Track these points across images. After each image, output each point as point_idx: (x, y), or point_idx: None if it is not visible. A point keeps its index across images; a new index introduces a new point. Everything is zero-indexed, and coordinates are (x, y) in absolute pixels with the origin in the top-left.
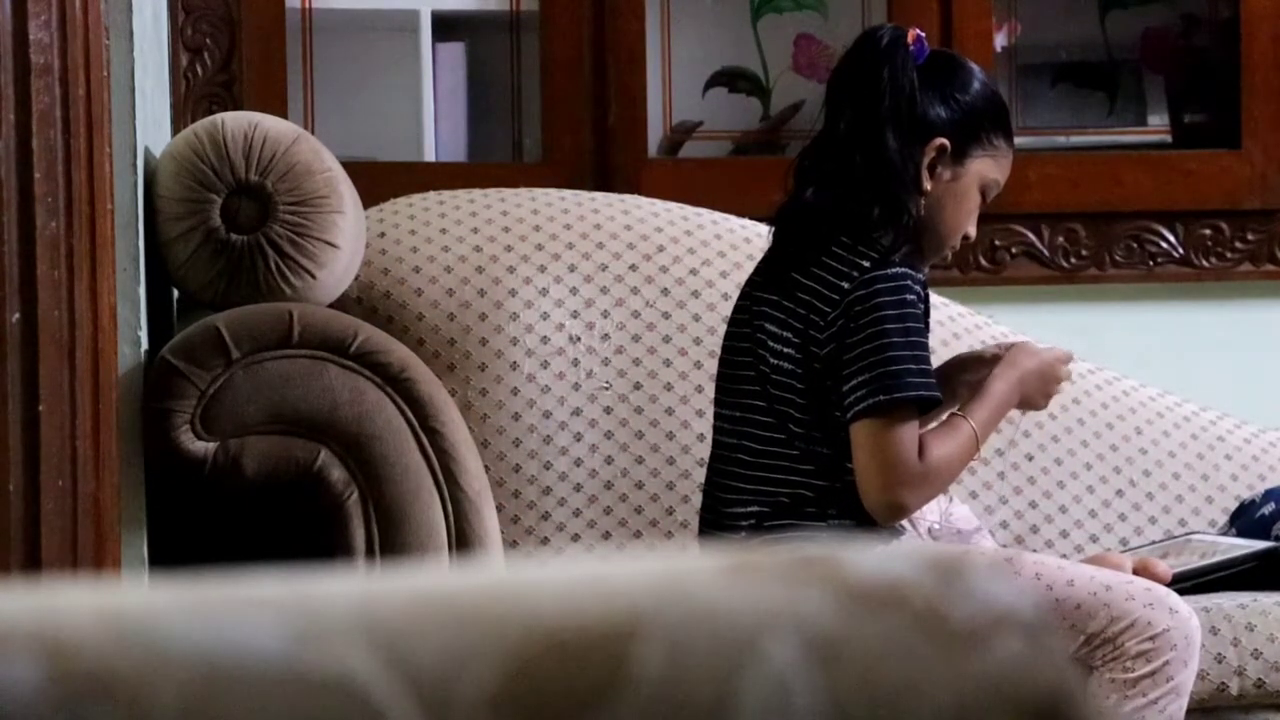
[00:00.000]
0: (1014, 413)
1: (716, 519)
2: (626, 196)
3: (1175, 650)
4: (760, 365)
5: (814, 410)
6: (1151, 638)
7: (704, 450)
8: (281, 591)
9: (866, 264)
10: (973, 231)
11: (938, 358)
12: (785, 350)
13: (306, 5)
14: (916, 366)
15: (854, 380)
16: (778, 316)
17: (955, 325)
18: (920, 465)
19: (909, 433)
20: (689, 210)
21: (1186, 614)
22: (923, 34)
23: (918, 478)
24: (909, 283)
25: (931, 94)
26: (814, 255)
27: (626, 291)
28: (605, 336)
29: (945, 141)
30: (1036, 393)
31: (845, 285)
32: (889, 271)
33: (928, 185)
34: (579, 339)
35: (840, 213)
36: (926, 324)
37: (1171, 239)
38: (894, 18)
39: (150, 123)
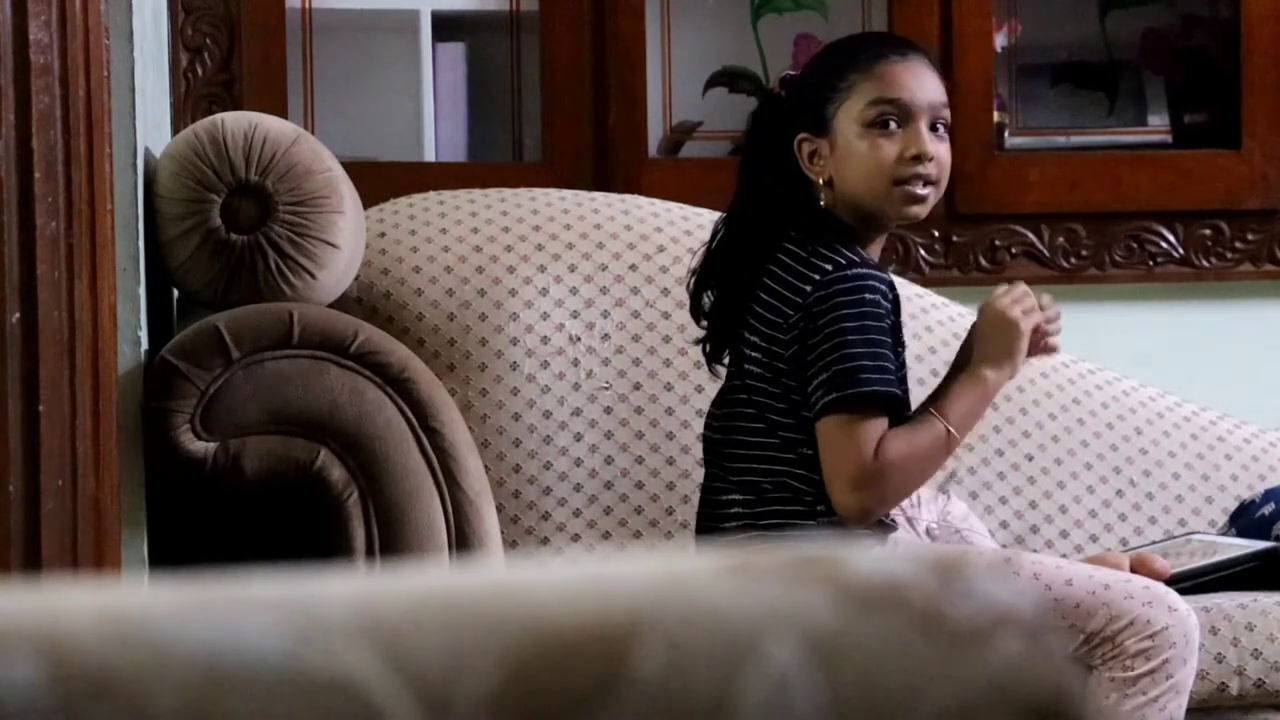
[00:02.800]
0: (1015, 414)
1: (708, 511)
2: (626, 196)
3: (1174, 648)
4: (740, 360)
5: (789, 412)
6: (1151, 636)
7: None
8: (281, 591)
9: (829, 267)
10: (926, 149)
11: (937, 358)
12: (753, 355)
13: (306, 5)
14: (873, 364)
15: (815, 381)
16: (748, 320)
17: (955, 325)
18: (874, 463)
19: (871, 431)
20: (689, 210)
21: (1185, 612)
22: (786, 74)
23: (871, 476)
24: (872, 283)
25: (791, 116)
26: (782, 260)
27: (626, 291)
28: (605, 336)
29: (802, 135)
30: (1014, 347)
31: (807, 288)
32: (849, 273)
33: (819, 177)
34: (579, 339)
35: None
36: (898, 323)
37: (1171, 239)
38: (894, 18)
39: (150, 123)
